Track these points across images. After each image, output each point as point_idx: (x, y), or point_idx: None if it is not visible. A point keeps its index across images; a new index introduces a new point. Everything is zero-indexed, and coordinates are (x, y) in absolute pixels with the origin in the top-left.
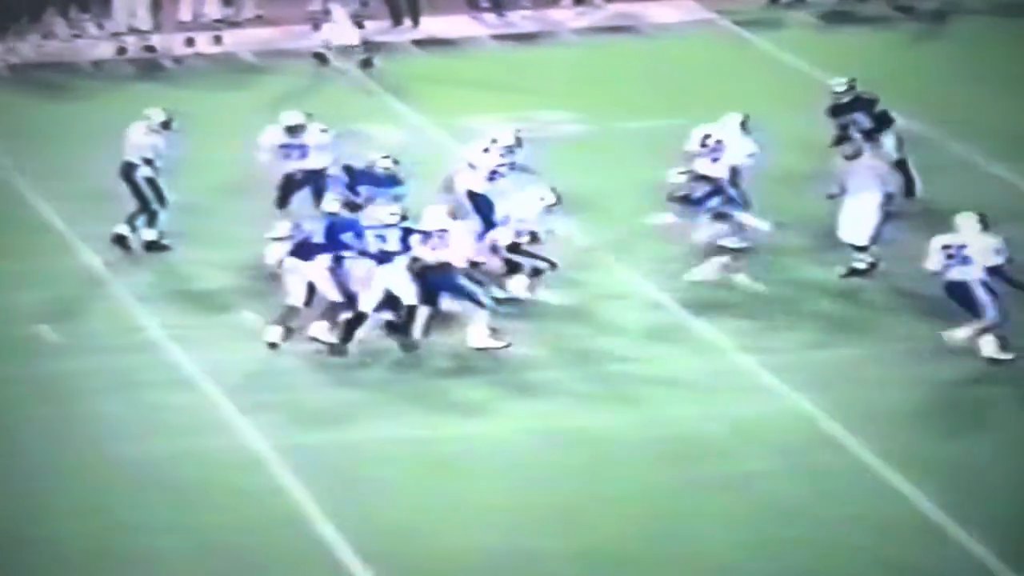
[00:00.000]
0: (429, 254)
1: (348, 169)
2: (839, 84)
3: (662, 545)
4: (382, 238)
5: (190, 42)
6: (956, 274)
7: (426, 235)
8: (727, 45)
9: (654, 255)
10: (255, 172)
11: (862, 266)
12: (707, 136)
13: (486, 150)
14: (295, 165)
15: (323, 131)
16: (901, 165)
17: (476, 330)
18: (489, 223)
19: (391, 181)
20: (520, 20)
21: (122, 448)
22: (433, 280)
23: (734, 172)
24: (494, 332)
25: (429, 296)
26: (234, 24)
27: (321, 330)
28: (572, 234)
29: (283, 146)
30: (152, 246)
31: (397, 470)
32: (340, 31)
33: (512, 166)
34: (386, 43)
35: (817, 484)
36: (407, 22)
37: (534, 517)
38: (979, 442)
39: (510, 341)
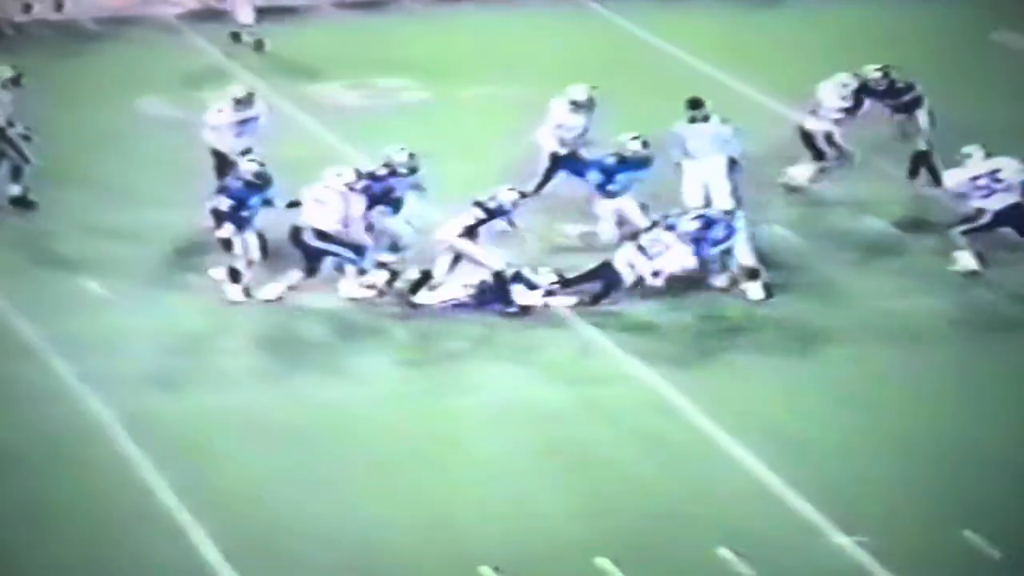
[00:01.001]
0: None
1: (600, 165)
2: (873, 70)
3: (498, 511)
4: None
5: (27, 8)
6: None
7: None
8: (570, 16)
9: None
10: (97, 140)
11: None
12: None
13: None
14: (244, 142)
15: (268, 108)
16: (925, 156)
17: (347, 283)
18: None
19: (642, 163)
20: None
21: None
22: (309, 243)
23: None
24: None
25: (309, 258)
26: None
27: (218, 274)
28: (410, 200)
29: (240, 122)
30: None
31: (239, 438)
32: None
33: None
34: (227, 12)
35: (655, 452)
36: None
37: (372, 485)
38: (817, 410)
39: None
